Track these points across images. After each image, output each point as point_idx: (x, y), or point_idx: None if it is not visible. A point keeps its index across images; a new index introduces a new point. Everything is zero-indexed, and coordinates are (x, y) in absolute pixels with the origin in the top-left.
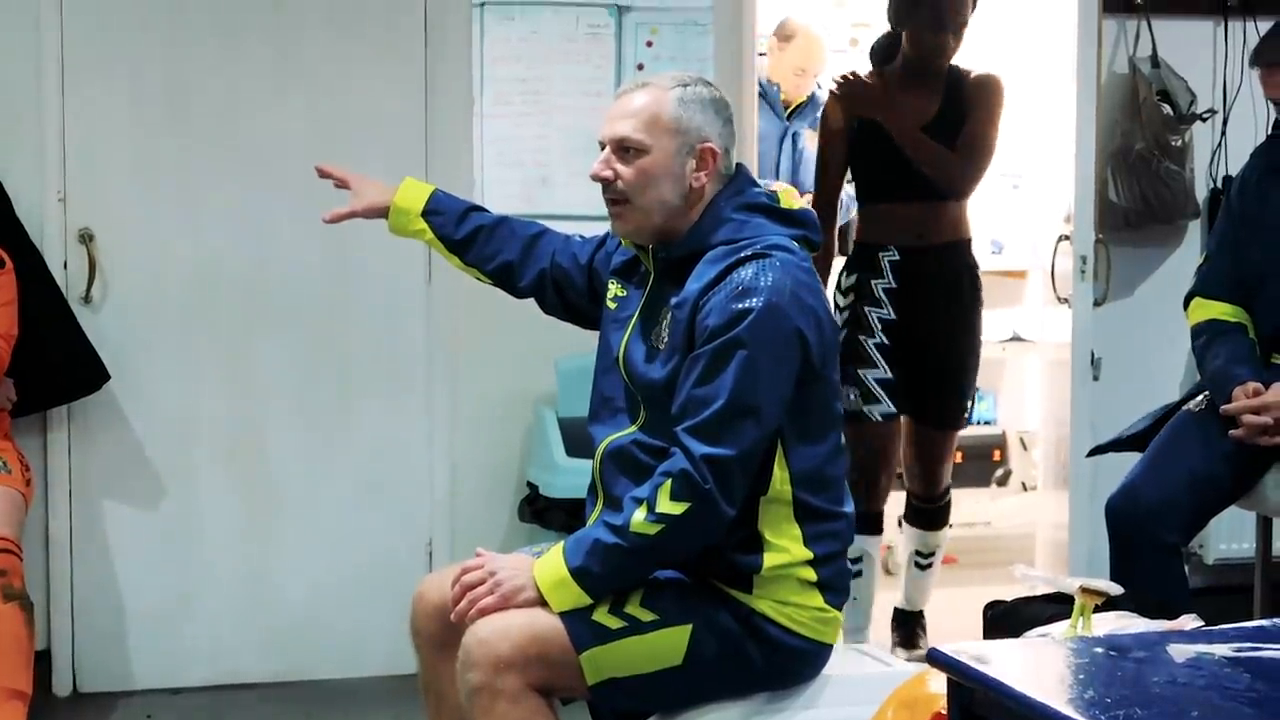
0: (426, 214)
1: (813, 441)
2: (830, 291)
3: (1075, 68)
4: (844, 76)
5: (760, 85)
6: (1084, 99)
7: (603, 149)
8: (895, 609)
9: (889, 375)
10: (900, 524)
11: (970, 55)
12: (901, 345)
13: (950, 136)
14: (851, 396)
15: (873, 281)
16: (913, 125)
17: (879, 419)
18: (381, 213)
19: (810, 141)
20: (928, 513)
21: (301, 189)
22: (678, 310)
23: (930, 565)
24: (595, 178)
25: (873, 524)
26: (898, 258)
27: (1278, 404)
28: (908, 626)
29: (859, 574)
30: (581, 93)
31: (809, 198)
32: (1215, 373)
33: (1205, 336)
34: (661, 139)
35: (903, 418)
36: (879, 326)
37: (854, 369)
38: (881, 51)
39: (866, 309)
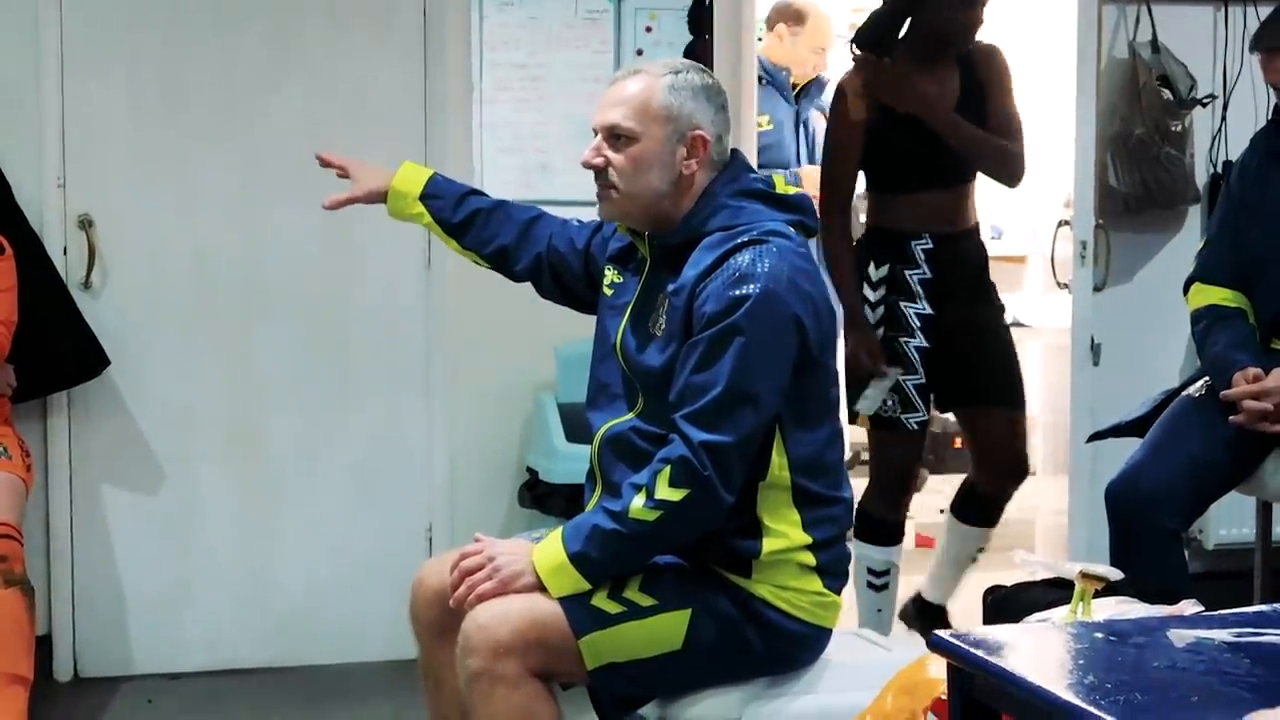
0: (425, 198)
1: (811, 427)
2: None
3: (1075, 53)
4: (866, 64)
5: (768, 71)
6: (1084, 84)
7: (595, 136)
8: (918, 598)
9: (924, 380)
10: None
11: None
12: (943, 340)
13: (975, 117)
14: (889, 403)
15: (906, 272)
16: (946, 111)
17: (915, 427)
18: (380, 197)
19: (818, 122)
20: (997, 507)
21: (301, 176)
22: (674, 297)
23: (977, 559)
24: (586, 165)
25: (896, 534)
26: (931, 245)
27: (1278, 389)
28: (935, 623)
29: (885, 586)
30: (581, 78)
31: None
32: (1215, 358)
33: (1205, 322)
34: (652, 127)
35: (955, 413)
36: (917, 325)
37: (892, 374)
38: (878, 34)
39: (903, 305)
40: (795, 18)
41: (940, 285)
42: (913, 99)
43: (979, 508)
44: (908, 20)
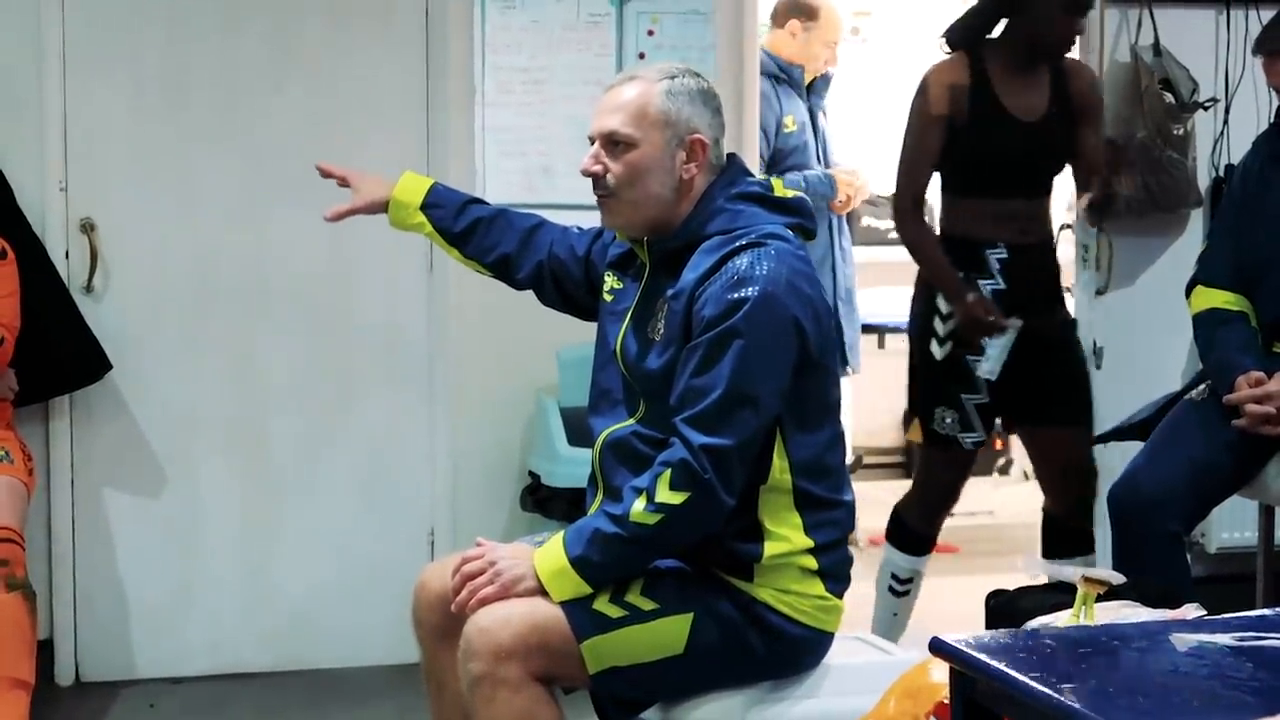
0: (425, 207)
1: (811, 430)
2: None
3: (1077, 55)
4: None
5: (784, 70)
6: None
7: (592, 143)
8: None
9: (988, 399)
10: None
11: None
12: (1013, 356)
13: (1063, 133)
14: (948, 420)
15: (980, 282)
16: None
17: (969, 447)
18: (381, 207)
19: (824, 121)
20: (1083, 529)
21: (303, 178)
22: (674, 301)
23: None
24: (585, 173)
25: (927, 545)
26: (1006, 255)
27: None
28: None
29: (906, 593)
30: (583, 82)
31: (848, 174)
32: (1217, 362)
33: (1207, 325)
34: (650, 132)
35: (1020, 432)
36: (987, 342)
37: (956, 391)
38: (970, 31)
39: None
40: (807, 13)
41: (1013, 297)
42: (1001, 94)
43: (1067, 539)
44: (1002, 21)
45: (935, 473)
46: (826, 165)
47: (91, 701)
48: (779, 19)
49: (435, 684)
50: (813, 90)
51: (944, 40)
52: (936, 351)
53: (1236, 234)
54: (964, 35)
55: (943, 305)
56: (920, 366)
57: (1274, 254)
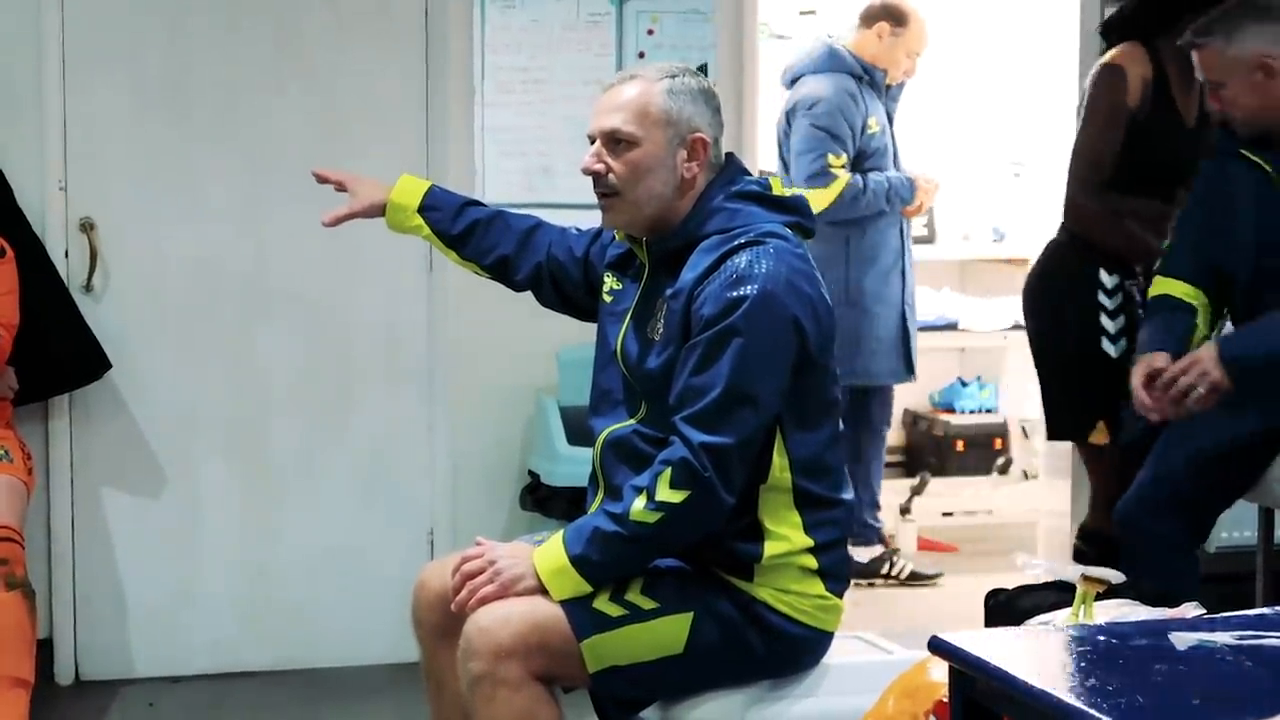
0: (423, 210)
1: (811, 429)
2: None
3: (1077, 54)
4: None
5: (866, 71)
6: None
7: (592, 142)
8: None
9: None
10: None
11: (974, 43)
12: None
13: (1205, 148)
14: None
15: (1127, 283)
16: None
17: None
18: (379, 211)
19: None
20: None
21: (302, 177)
22: (673, 301)
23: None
24: (586, 171)
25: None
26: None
27: (1177, 372)
28: None
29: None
30: (583, 81)
31: (927, 180)
32: (1141, 344)
33: (1154, 310)
34: (652, 131)
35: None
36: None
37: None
38: (1145, 23)
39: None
40: (898, 19)
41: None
42: (1177, 91)
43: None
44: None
45: (1126, 479)
46: (897, 170)
47: (91, 701)
48: (868, 20)
49: (435, 683)
50: (887, 94)
51: (1104, 30)
52: (1110, 350)
53: (1199, 230)
54: (1138, 26)
55: (1107, 301)
56: (1092, 368)
57: (1237, 248)
